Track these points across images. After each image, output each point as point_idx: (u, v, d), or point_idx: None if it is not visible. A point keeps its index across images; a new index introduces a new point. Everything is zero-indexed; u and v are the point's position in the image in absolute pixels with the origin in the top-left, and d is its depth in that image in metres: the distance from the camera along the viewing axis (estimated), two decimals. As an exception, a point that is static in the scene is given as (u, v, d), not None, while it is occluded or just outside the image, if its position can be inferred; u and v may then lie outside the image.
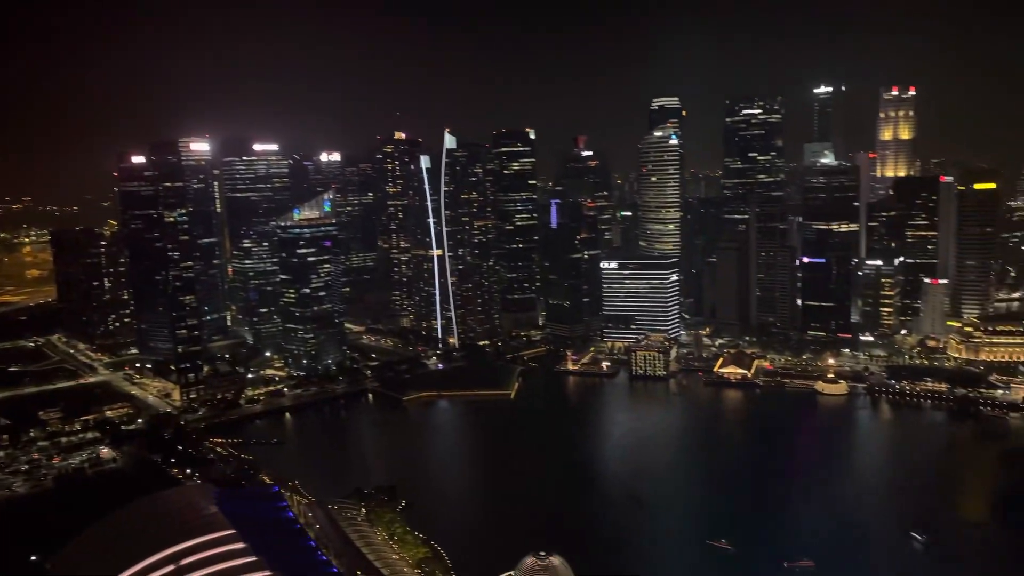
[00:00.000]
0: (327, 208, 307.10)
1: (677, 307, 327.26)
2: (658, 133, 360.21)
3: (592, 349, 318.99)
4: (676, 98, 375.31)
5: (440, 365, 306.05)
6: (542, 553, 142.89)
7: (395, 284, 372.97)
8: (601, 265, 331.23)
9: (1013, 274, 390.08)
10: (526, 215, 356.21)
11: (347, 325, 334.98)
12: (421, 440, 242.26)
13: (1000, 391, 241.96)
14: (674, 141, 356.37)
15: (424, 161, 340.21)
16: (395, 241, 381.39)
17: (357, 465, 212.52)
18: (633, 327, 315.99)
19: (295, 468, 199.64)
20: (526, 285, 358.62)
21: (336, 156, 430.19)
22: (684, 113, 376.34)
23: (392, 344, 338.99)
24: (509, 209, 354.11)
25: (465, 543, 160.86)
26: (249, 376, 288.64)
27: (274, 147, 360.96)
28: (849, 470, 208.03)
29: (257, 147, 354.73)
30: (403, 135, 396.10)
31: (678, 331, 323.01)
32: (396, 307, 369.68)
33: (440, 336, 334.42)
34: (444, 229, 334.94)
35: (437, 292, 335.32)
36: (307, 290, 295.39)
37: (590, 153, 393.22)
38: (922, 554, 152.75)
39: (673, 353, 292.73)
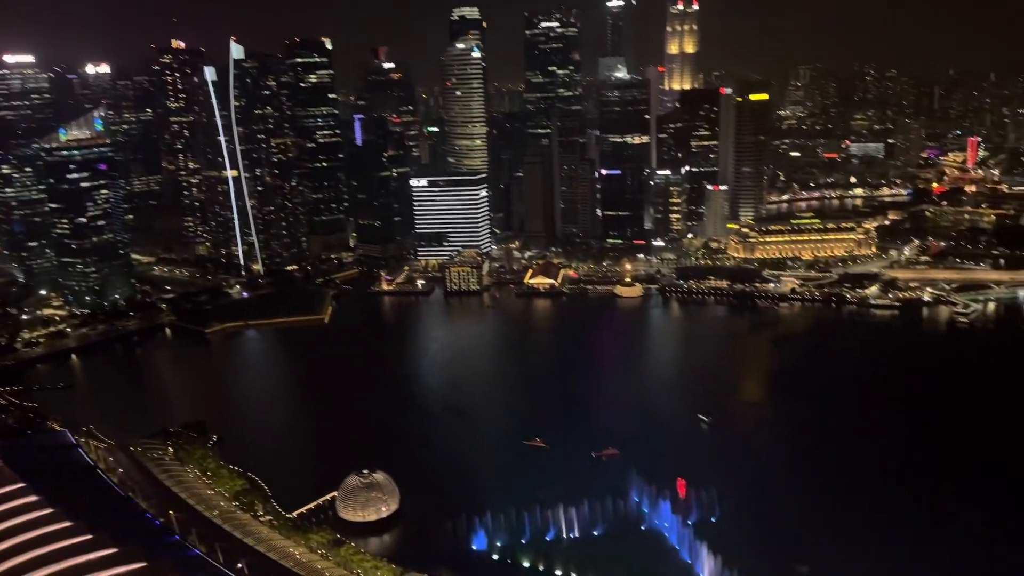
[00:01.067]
0: (99, 127, 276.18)
1: (487, 222, 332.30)
2: (460, 45, 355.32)
3: (406, 268, 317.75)
4: (476, 8, 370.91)
5: (245, 294, 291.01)
6: (365, 471, 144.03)
7: (186, 209, 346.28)
8: (411, 183, 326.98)
9: (782, 178, 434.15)
10: (328, 132, 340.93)
11: (134, 256, 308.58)
12: (229, 373, 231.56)
13: (772, 284, 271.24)
14: (477, 54, 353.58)
15: (209, 73, 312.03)
16: (183, 162, 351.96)
17: (159, 404, 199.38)
18: (446, 244, 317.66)
19: (89, 412, 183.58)
20: (333, 206, 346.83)
21: (105, 68, 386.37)
22: (485, 25, 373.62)
23: (189, 274, 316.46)
24: (309, 125, 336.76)
25: (285, 471, 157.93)
26: (24, 317, 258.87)
27: (29, 58, 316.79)
28: (645, 364, 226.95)
29: (8, 58, 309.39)
30: (182, 44, 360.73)
31: (489, 246, 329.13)
32: (190, 234, 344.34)
33: (243, 263, 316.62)
34: (238, 148, 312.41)
35: (235, 216, 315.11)
36: (83, 219, 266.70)
37: (392, 66, 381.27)
38: (708, 434, 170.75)
39: (485, 268, 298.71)
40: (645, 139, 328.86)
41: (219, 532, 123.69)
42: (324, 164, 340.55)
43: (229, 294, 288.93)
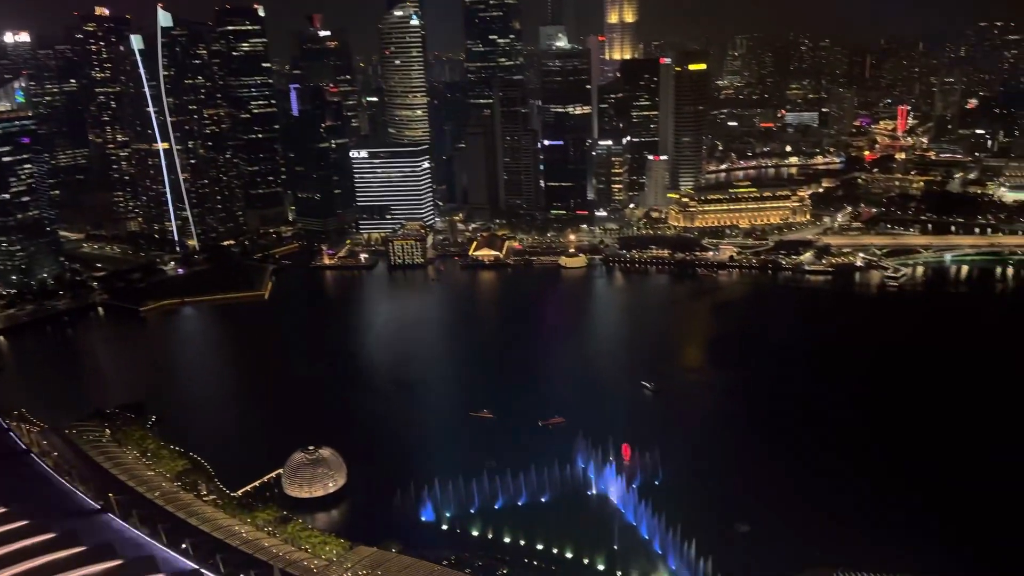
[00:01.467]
0: (19, 99, 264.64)
1: (430, 194, 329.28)
2: (398, 12, 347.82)
3: (348, 242, 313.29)
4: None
5: (180, 270, 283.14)
6: (310, 447, 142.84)
7: (116, 184, 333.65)
8: (351, 154, 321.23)
9: (721, 148, 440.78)
10: (263, 102, 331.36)
11: (62, 233, 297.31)
12: (167, 352, 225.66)
13: (711, 253, 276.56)
14: (415, 22, 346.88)
15: (135, 42, 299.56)
16: (110, 135, 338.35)
17: (94, 385, 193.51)
18: (388, 217, 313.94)
19: (19, 395, 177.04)
20: (271, 179, 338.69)
21: (25, 37, 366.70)
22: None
23: (120, 251, 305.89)
24: (243, 96, 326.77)
25: (228, 450, 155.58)
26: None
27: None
28: (590, 334, 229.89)
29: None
30: (106, 11, 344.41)
31: (433, 218, 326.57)
32: (120, 210, 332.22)
33: (177, 239, 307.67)
34: (168, 119, 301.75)
35: (168, 190, 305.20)
36: (6, 196, 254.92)
37: (328, 34, 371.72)
38: (651, 400, 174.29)
39: (429, 240, 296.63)
40: (586, 109, 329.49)
41: (161, 513, 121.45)
42: (259, 136, 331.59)
43: (164, 271, 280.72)
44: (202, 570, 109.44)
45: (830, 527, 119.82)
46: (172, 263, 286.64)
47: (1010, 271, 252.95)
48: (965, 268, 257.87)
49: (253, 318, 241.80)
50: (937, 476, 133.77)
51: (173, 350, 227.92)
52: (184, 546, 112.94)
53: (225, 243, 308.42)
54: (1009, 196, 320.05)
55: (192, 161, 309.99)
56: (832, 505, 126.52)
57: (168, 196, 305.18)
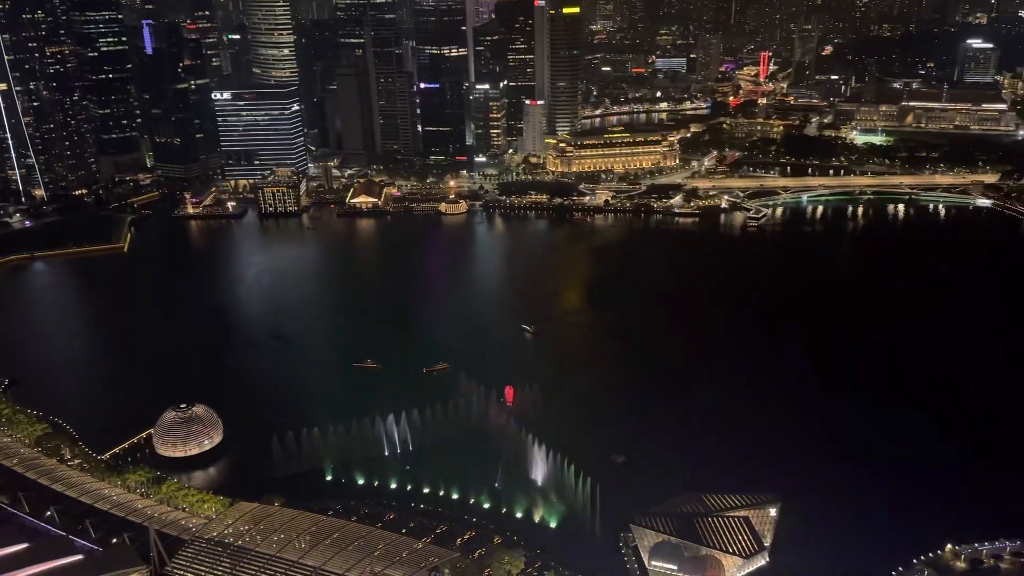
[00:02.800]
0: None
1: (301, 139, 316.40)
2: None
3: (214, 189, 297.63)
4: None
5: (28, 222, 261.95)
6: (183, 405, 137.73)
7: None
8: (213, 96, 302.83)
9: (595, 93, 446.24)
10: (112, 39, 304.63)
11: None
12: (18, 311, 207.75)
13: (588, 197, 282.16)
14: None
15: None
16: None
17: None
18: (257, 163, 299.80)
19: None
20: (124, 122, 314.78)
21: None
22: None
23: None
24: (89, 32, 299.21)
25: (93, 412, 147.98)
26: None
27: None
28: (472, 280, 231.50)
29: None
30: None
31: (305, 164, 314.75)
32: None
33: (21, 189, 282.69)
34: (5, 58, 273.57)
35: (8, 136, 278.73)
36: None
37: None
38: (531, 343, 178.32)
39: (303, 187, 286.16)
40: (463, 52, 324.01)
41: (22, 481, 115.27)
42: (110, 76, 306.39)
43: (9, 224, 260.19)
44: (71, 537, 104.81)
45: (701, 455, 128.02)
46: (18, 215, 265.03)
47: (860, 210, 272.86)
48: (821, 208, 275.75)
49: (112, 273, 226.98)
50: (797, 407, 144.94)
51: (25, 308, 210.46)
52: (49, 514, 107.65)
53: (77, 192, 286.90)
54: (859, 139, 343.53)
55: (35, 104, 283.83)
56: (703, 434, 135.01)
57: (10, 142, 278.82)
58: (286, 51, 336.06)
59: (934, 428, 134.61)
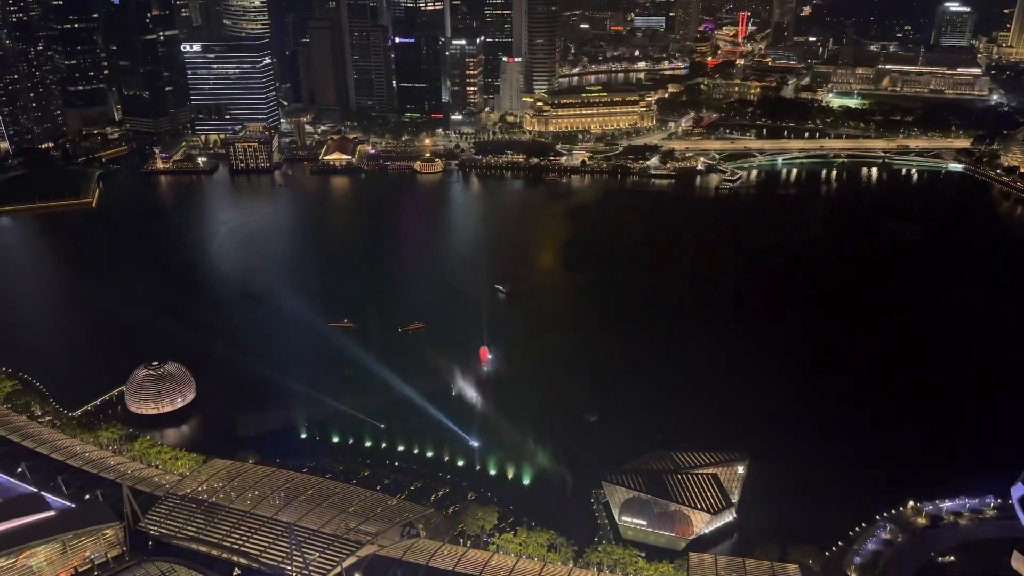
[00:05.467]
0: None
1: (273, 93, 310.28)
2: None
3: (184, 144, 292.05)
4: None
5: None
6: (155, 363, 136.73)
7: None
8: (182, 48, 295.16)
9: (573, 51, 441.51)
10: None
11: None
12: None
13: (564, 158, 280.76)
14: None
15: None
16: None
17: None
18: (228, 117, 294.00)
19: None
20: (91, 74, 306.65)
21: None
22: None
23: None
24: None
25: (63, 369, 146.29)
26: None
27: None
28: (447, 240, 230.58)
29: None
30: None
31: (278, 119, 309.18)
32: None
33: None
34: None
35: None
36: None
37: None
38: (504, 303, 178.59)
39: (275, 143, 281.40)
40: (439, 5, 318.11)
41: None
42: (76, 25, 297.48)
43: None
44: (43, 493, 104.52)
45: (670, 414, 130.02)
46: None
47: (834, 173, 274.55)
48: (795, 171, 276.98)
49: (81, 228, 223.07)
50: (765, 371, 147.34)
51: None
52: (20, 470, 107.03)
53: (43, 146, 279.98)
54: (835, 102, 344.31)
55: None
56: (674, 394, 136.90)
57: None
58: (257, 2, 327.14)
59: (895, 391, 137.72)
